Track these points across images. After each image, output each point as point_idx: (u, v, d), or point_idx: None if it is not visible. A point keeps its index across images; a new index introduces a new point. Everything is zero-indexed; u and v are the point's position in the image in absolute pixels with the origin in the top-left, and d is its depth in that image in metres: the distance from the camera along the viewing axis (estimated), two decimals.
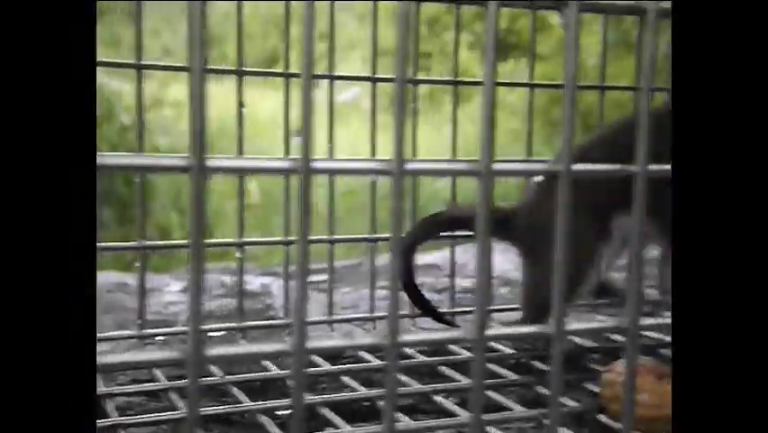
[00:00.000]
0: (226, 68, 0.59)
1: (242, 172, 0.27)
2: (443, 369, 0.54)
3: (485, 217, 0.28)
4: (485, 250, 0.29)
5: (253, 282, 0.86)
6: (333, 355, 0.56)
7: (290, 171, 0.27)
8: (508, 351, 0.58)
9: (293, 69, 0.60)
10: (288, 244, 0.62)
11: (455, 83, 0.65)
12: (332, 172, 0.29)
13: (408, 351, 0.57)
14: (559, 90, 0.71)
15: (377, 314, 0.65)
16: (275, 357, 0.50)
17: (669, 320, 0.34)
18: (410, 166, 0.28)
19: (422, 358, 0.56)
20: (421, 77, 0.66)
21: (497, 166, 0.28)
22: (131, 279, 0.78)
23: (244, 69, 0.58)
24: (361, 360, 0.56)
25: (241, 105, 0.59)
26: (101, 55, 0.45)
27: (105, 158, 0.23)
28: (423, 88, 0.67)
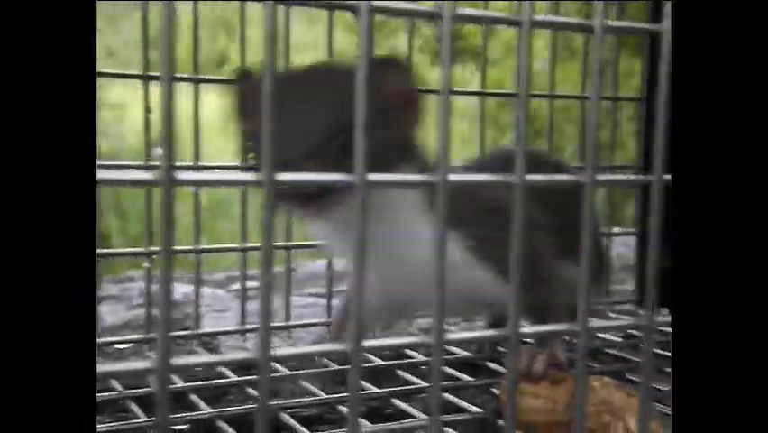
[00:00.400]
0: (133, 72, 0.58)
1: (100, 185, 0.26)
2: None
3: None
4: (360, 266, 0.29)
5: (175, 291, 0.84)
6: (244, 366, 0.55)
7: (152, 183, 0.26)
8: (421, 357, 0.58)
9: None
10: (198, 252, 0.61)
11: None
12: (197, 184, 0.28)
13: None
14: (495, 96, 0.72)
15: (291, 322, 0.64)
16: (137, 376, 0.48)
17: (550, 328, 0.34)
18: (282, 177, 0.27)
19: (335, 366, 0.56)
20: None
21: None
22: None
23: (149, 74, 0.57)
24: (274, 370, 0.55)
25: (147, 110, 0.58)
26: None
27: None
28: None
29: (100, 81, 0.55)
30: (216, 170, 0.62)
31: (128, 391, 0.49)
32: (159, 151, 0.25)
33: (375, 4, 0.28)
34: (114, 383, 0.50)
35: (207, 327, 0.66)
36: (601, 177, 0.31)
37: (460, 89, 0.70)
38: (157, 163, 0.57)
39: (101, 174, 0.27)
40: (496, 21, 0.32)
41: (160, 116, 0.25)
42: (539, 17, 0.30)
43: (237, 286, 0.90)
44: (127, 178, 0.30)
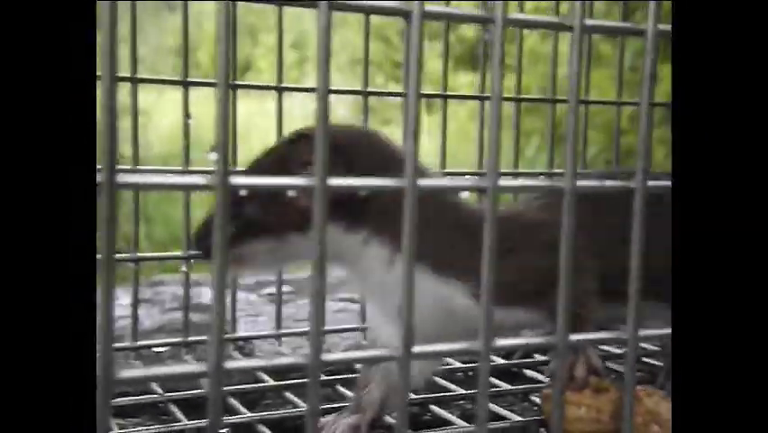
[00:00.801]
0: (171, 78, 0.58)
1: (154, 189, 0.27)
2: None
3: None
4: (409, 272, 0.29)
5: (208, 295, 0.85)
6: (279, 370, 0.55)
7: (206, 188, 0.26)
8: (457, 364, 0.58)
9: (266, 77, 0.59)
10: None
11: (444, 96, 0.65)
12: (247, 188, 0.28)
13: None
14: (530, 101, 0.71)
15: (327, 327, 0.64)
16: (185, 379, 0.48)
17: (598, 336, 0.34)
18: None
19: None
20: (393, 87, 0.66)
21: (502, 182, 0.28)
22: None
23: (189, 79, 0.57)
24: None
25: (187, 116, 0.58)
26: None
27: None
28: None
29: (130, 86, 0.56)
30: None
31: (169, 394, 0.50)
32: (213, 155, 0.25)
33: (427, 9, 0.28)
34: (154, 386, 0.51)
35: (242, 331, 0.66)
36: (653, 183, 0.30)
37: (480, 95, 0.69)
38: (200, 169, 0.58)
39: (151, 179, 0.28)
40: (548, 26, 0.32)
41: (216, 122, 0.25)
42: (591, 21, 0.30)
43: (269, 290, 0.90)
44: (183, 183, 0.30)
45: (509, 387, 0.53)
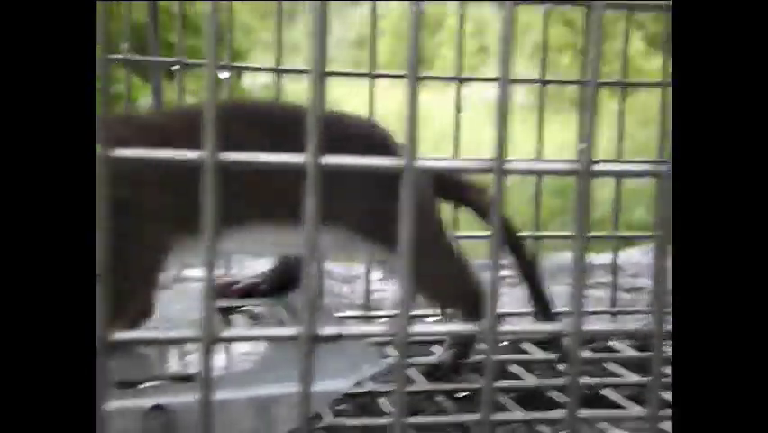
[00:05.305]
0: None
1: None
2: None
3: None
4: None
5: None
6: None
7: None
8: (632, 352, 0.57)
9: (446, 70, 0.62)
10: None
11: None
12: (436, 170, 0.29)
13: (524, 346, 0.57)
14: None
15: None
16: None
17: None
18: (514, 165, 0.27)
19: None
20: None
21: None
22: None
23: (375, 72, 0.60)
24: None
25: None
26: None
27: None
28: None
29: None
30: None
31: None
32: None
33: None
34: None
35: None
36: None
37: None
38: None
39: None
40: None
41: (405, 112, 0.26)
42: None
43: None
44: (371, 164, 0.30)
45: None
